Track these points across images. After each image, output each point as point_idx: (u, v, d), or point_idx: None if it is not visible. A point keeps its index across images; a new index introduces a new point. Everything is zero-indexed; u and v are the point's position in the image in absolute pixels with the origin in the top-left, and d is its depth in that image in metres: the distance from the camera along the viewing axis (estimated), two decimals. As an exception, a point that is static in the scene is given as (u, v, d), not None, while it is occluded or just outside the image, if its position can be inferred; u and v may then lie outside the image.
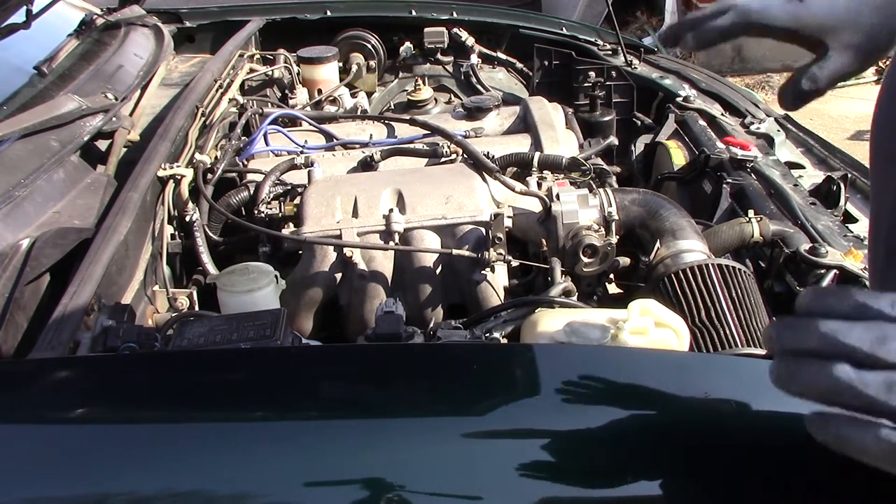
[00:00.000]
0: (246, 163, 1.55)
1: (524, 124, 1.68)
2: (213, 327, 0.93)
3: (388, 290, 1.28)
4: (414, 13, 2.27)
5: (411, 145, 1.59)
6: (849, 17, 0.64)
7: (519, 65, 2.26)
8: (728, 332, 1.08)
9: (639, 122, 1.89)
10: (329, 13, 2.27)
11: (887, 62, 0.66)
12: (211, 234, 1.39)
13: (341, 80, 2.10)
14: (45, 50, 1.60)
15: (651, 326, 0.96)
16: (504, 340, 1.07)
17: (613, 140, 1.73)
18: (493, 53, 2.27)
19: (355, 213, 1.30)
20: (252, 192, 1.42)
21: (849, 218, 1.37)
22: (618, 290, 1.34)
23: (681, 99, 1.79)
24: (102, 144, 1.42)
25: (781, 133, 1.66)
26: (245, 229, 1.38)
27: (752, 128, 1.67)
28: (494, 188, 1.37)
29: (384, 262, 1.28)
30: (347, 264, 1.27)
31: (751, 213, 1.33)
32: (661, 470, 0.70)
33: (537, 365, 0.80)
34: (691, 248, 1.22)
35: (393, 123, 1.72)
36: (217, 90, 1.75)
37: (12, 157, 1.18)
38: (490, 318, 1.12)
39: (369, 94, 2.18)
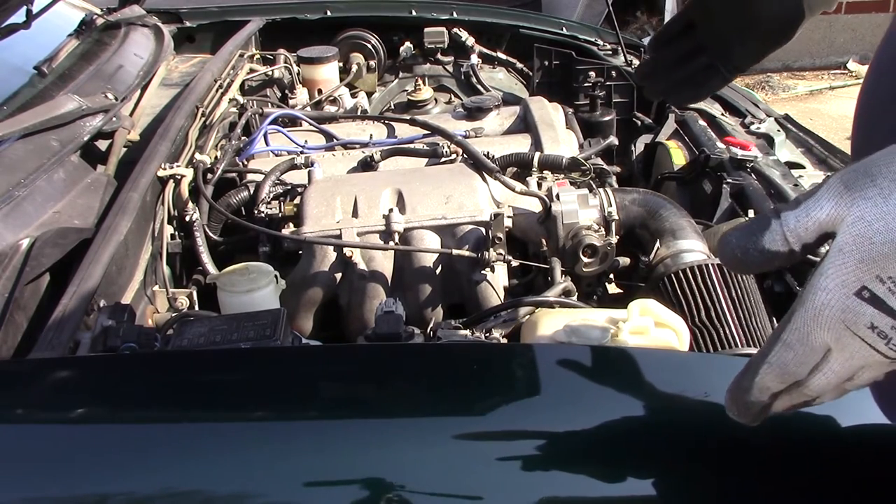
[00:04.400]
0: (246, 163, 1.55)
1: (524, 124, 1.68)
2: (213, 327, 0.92)
3: (388, 290, 1.28)
4: (414, 13, 2.27)
5: (411, 145, 1.59)
6: None
7: (519, 65, 2.26)
8: (728, 332, 1.08)
9: (639, 122, 1.89)
10: (329, 13, 2.27)
11: None
12: (211, 234, 1.39)
13: (341, 80, 2.10)
14: (45, 50, 1.60)
15: (651, 326, 0.96)
16: (504, 340, 1.07)
17: (613, 140, 1.72)
18: (494, 53, 2.27)
19: (355, 213, 1.30)
20: (252, 192, 1.42)
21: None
22: (618, 290, 1.34)
23: (681, 99, 1.79)
24: (102, 144, 1.41)
25: (781, 133, 1.66)
26: (245, 229, 1.38)
27: (752, 128, 1.67)
28: (494, 188, 1.37)
29: (384, 262, 1.28)
30: (347, 264, 1.27)
31: (751, 213, 1.33)
32: (660, 470, 0.70)
33: (537, 365, 0.79)
34: (691, 247, 1.22)
35: (393, 123, 1.72)
36: (217, 90, 1.75)
37: (12, 157, 1.18)
38: (490, 318, 1.12)
39: (369, 94, 2.18)
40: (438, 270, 1.29)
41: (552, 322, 1.00)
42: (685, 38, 0.81)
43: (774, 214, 0.46)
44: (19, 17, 1.53)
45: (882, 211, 0.41)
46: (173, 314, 1.17)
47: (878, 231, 0.42)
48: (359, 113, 1.94)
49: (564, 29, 2.22)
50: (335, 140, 1.66)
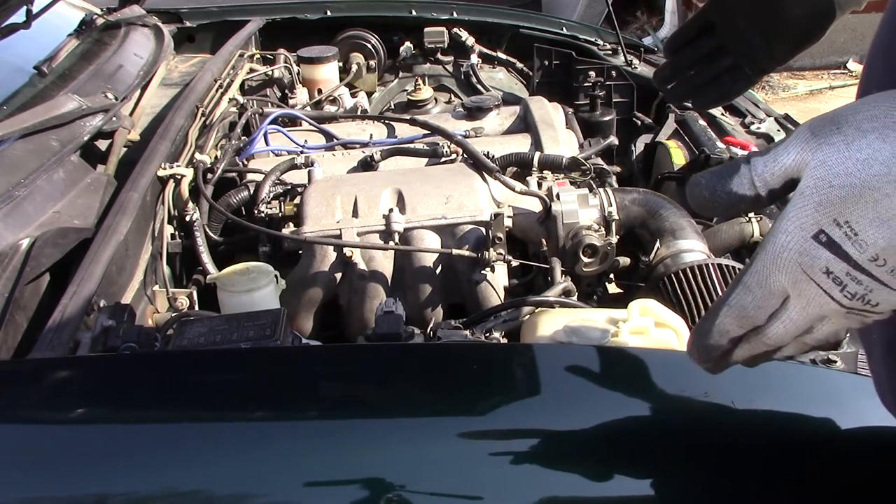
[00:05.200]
0: (246, 163, 1.55)
1: (524, 124, 1.68)
2: (213, 327, 0.92)
3: (388, 290, 1.28)
4: (414, 13, 2.27)
5: (411, 145, 1.59)
6: None
7: (519, 65, 2.26)
8: (728, 332, 1.08)
9: (639, 122, 1.89)
10: (329, 13, 2.26)
11: None
12: (211, 234, 1.39)
13: (341, 80, 2.10)
14: (45, 50, 1.60)
15: (651, 326, 0.96)
16: (504, 340, 1.07)
17: (613, 140, 1.72)
18: (494, 53, 2.27)
19: (355, 213, 1.30)
20: (252, 191, 1.42)
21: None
22: (618, 290, 1.34)
23: (681, 99, 1.79)
24: (102, 144, 1.42)
25: (781, 133, 1.66)
26: (245, 229, 1.38)
27: (752, 128, 1.67)
28: (494, 188, 1.37)
29: (384, 262, 1.28)
30: (347, 264, 1.27)
31: (751, 214, 1.33)
32: (660, 470, 0.70)
33: (537, 365, 0.80)
34: (691, 247, 1.22)
35: (393, 123, 1.72)
36: (217, 90, 1.75)
37: (12, 157, 1.18)
38: (490, 318, 1.12)
39: (369, 94, 2.18)
40: (438, 270, 1.29)
41: (552, 322, 1.00)
42: (704, 39, 0.79)
43: (745, 160, 0.47)
44: (19, 17, 1.54)
45: (843, 156, 0.42)
46: (173, 314, 1.17)
47: (837, 175, 0.42)
48: (359, 113, 1.94)
49: (564, 29, 2.22)
50: (335, 140, 1.66)
